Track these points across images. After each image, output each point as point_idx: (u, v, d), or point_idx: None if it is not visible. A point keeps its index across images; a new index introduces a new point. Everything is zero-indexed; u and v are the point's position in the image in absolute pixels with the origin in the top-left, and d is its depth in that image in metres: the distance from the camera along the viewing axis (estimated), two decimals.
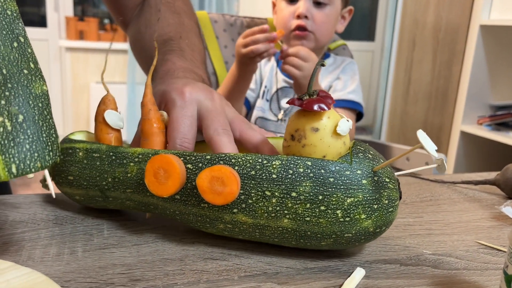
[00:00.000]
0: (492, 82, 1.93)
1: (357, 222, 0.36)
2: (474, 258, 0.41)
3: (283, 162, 0.36)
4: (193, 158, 0.38)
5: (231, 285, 0.34)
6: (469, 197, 0.59)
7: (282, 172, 0.36)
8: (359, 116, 1.01)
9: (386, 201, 0.37)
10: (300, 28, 0.93)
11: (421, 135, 0.35)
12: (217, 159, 0.37)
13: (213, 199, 0.35)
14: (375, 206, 0.36)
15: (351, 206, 0.35)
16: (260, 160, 0.36)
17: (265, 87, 1.03)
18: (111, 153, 0.41)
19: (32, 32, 2.82)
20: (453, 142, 1.98)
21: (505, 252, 0.43)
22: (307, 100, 0.36)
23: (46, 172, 0.37)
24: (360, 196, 0.36)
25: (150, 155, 0.40)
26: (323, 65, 0.36)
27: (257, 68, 0.97)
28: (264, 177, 0.36)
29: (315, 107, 0.35)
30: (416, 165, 0.95)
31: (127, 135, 2.49)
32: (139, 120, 0.44)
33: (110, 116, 0.43)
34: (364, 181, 0.36)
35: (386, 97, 2.79)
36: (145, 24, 0.61)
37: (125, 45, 2.82)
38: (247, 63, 0.88)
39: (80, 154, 0.42)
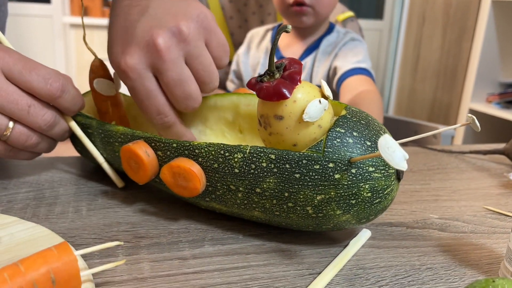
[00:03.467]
0: (502, 59, 1.89)
1: (333, 217, 0.32)
2: (482, 222, 0.41)
3: (245, 156, 0.32)
4: (162, 145, 0.36)
5: (236, 243, 0.34)
6: (477, 166, 0.58)
7: (244, 166, 0.32)
8: None
9: (369, 194, 0.31)
10: (299, 3, 0.87)
11: (383, 143, 0.26)
12: (182, 148, 0.35)
13: (180, 192, 0.35)
14: (353, 202, 0.31)
15: (322, 203, 0.31)
16: (222, 152, 0.33)
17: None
18: (100, 130, 0.41)
19: (35, 9, 2.79)
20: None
21: None
22: (264, 86, 0.30)
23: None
24: (332, 193, 0.30)
25: (129, 136, 0.38)
26: (286, 31, 0.29)
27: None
28: (227, 171, 0.33)
29: (273, 97, 0.30)
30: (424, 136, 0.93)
31: None
32: None
33: (99, 85, 0.42)
34: (337, 176, 0.30)
35: (394, 75, 2.76)
36: None
37: None
38: None
39: (80, 127, 0.42)
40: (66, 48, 2.87)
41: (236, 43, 1.11)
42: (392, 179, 0.32)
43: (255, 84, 0.31)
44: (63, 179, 0.44)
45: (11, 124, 0.37)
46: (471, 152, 0.62)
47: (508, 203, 0.46)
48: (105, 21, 2.85)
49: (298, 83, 0.30)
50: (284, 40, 0.96)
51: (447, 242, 0.37)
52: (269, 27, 1.01)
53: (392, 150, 0.26)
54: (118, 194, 0.42)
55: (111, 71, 0.43)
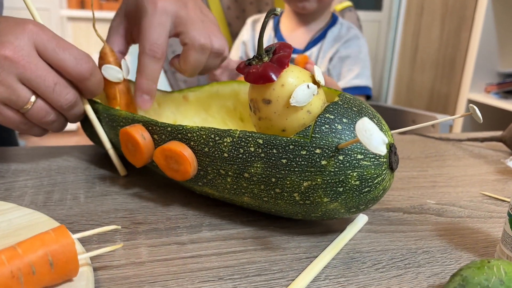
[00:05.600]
0: (501, 49, 1.89)
1: (320, 205, 0.31)
2: (478, 207, 0.41)
3: (234, 140, 0.32)
4: (158, 129, 0.36)
5: (234, 228, 0.34)
6: (474, 153, 0.58)
7: (233, 151, 0.32)
8: (367, 98, 0.95)
9: (357, 182, 0.30)
10: None
11: (361, 126, 0.25)
12: (176, 132, 0.35)
13: (172, 175, 0.35)
14: (341, 189, 0.30)
15: (309, 190, 0.30)
16: (212, 136, 0.33)
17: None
18: (105, 115, 0.41)
19: (33, 2, 2.77)
20: (460, 111, 1.95)
21: (509, 202, 0.43)
22: (252, 68, 0.30)
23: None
24: (319, 180, 0.30)
25: (130, 120, 0.38)
26: (275, 14, 0.28)
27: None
28: (217, 156, 0.33)
29: (259, 80, 0.29)
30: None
31: None
32: None
33: (107, 71, 0.42)
34: (323, 162, 0.29)
35: (392, 66, 2.75)
36: None
37: None
38: None
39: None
40: None
41: (233, 34, 1.10)
42: (383, 168, 0.31)
43: (244, 68, 0.31)
44: (61, 167, 0.44)
45: (33, 98, 0.37)
46: (468, 140, 0.62)
47: (505, 188, 0.46)
48: (103, 14, 2.83)
49: (286, 67, 0.30)
50: (288, 27, 0.96)
51: (443, 227, 0.37)
52: None
53: (369, 134, 0.24)
54: (116, 181, 0.42)
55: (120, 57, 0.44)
